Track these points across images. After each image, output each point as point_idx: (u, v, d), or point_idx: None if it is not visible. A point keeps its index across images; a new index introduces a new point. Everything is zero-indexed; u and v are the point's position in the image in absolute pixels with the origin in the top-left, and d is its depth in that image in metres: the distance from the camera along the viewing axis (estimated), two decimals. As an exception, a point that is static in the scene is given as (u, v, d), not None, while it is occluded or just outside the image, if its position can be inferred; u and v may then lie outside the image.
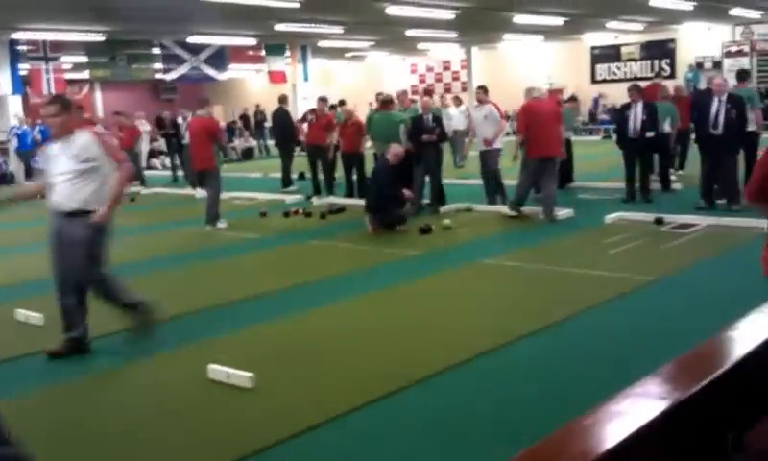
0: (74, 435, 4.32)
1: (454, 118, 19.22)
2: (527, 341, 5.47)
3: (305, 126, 15.06)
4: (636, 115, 11.41)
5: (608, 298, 6.50)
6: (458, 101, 20.54)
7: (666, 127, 12.14)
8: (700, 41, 26.21)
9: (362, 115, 14.34)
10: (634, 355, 4.97)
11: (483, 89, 12.22)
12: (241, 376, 4.78)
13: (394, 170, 10.37)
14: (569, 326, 5.83)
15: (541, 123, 10.58)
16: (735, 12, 21.81)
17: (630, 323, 5.86)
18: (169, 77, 24.17)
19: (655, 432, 1.68)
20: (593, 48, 28.84)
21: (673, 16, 22.57)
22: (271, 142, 24.14)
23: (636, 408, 1.75)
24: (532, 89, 11.26)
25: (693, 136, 12.04)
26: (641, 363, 3.10)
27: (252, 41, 24.52)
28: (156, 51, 23.32)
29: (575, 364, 5.02)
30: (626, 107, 11.73)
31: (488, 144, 11.57)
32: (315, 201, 13.53)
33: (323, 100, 14.93)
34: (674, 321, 5.80)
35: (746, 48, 25.48)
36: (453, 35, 25.14)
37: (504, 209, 10.99)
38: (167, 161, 22.91)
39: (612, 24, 24.21)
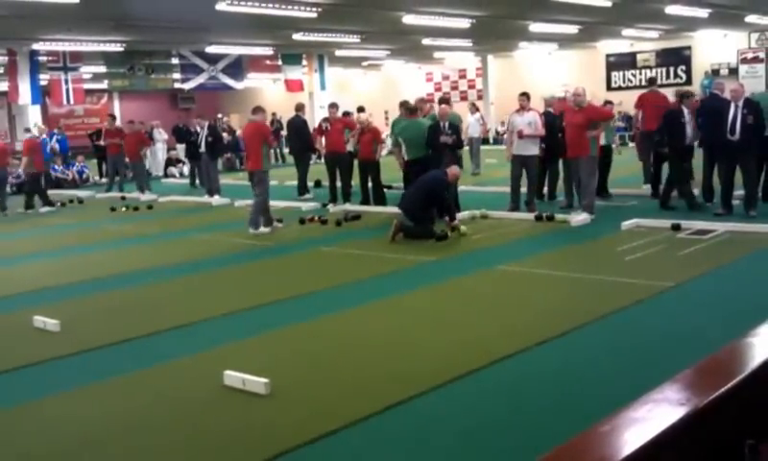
0: (86, 438, 4.35)
1: (470, 126, 19.25)
2: (542, 348, 5.44)
3: (322, 138, 15.18)
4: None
5: (624, 305, 6.45)
6: (474, 108, 20.55)
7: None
8: (716, 48, 26.09)
9: (378, 123, 14.43)
10: (651, 362, 4.94)
11: (526, 96, 11.95)
12: (256, 383, 4.79)
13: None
14: (586, 332, 5.79)
15: None
16: (751, 18, 21.67)
17: (647, 329, 5.81)
18: (187, 86, 24.38)
19: (672, 439, 1.67)
20: (609, 56, 28.74)
21: (689, 24, 22.46)
22: (286, 150, 24.21)
23: (654, 415, 1.74)
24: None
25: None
26: (659, 370, 3.09)
27: (270, 51, 24.68)
28: (175, 61, 23.51)
29: (591, 371, 4.99)
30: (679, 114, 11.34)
31: (521, 136, 11.56)
32: (331, 208, 13.56)
33: (333, 106, 15.04)
34: (692, 327, 5.76)
35: (762, 54, 25.34)
36: (469, 43, 25.15)
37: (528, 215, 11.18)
38: (185, 169, 23.00)
39: (627, 32, 24.13)
